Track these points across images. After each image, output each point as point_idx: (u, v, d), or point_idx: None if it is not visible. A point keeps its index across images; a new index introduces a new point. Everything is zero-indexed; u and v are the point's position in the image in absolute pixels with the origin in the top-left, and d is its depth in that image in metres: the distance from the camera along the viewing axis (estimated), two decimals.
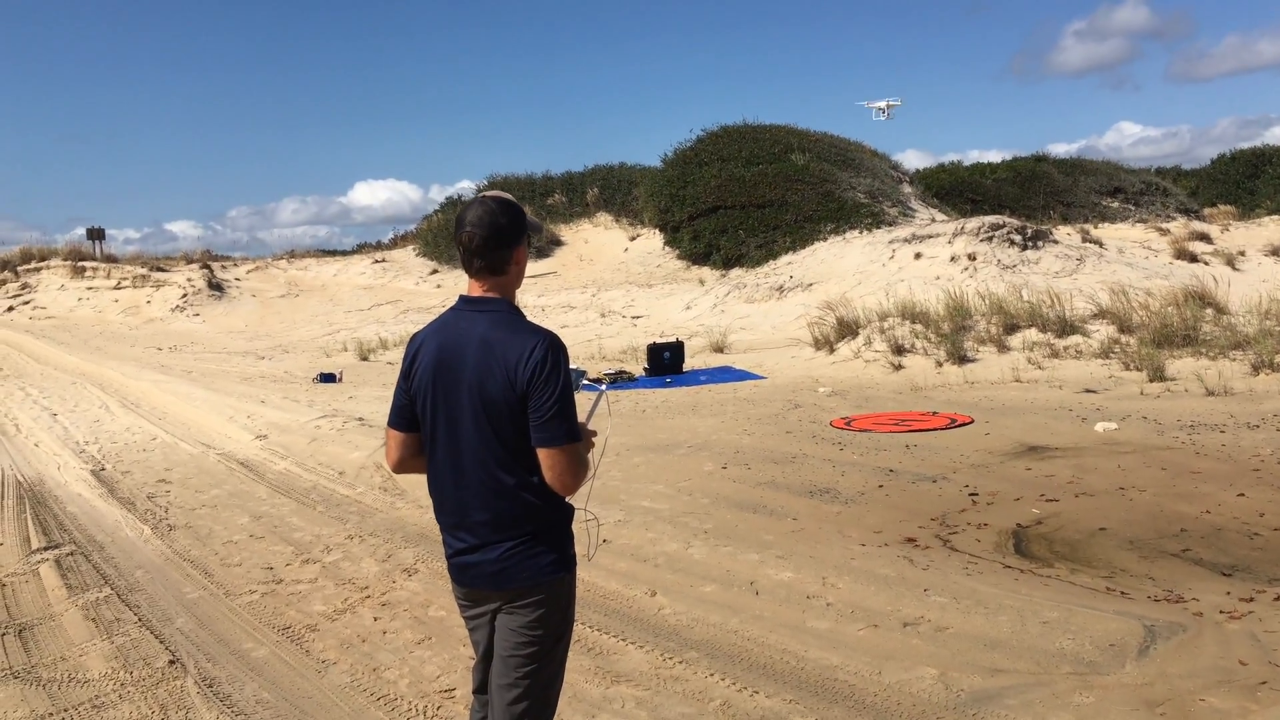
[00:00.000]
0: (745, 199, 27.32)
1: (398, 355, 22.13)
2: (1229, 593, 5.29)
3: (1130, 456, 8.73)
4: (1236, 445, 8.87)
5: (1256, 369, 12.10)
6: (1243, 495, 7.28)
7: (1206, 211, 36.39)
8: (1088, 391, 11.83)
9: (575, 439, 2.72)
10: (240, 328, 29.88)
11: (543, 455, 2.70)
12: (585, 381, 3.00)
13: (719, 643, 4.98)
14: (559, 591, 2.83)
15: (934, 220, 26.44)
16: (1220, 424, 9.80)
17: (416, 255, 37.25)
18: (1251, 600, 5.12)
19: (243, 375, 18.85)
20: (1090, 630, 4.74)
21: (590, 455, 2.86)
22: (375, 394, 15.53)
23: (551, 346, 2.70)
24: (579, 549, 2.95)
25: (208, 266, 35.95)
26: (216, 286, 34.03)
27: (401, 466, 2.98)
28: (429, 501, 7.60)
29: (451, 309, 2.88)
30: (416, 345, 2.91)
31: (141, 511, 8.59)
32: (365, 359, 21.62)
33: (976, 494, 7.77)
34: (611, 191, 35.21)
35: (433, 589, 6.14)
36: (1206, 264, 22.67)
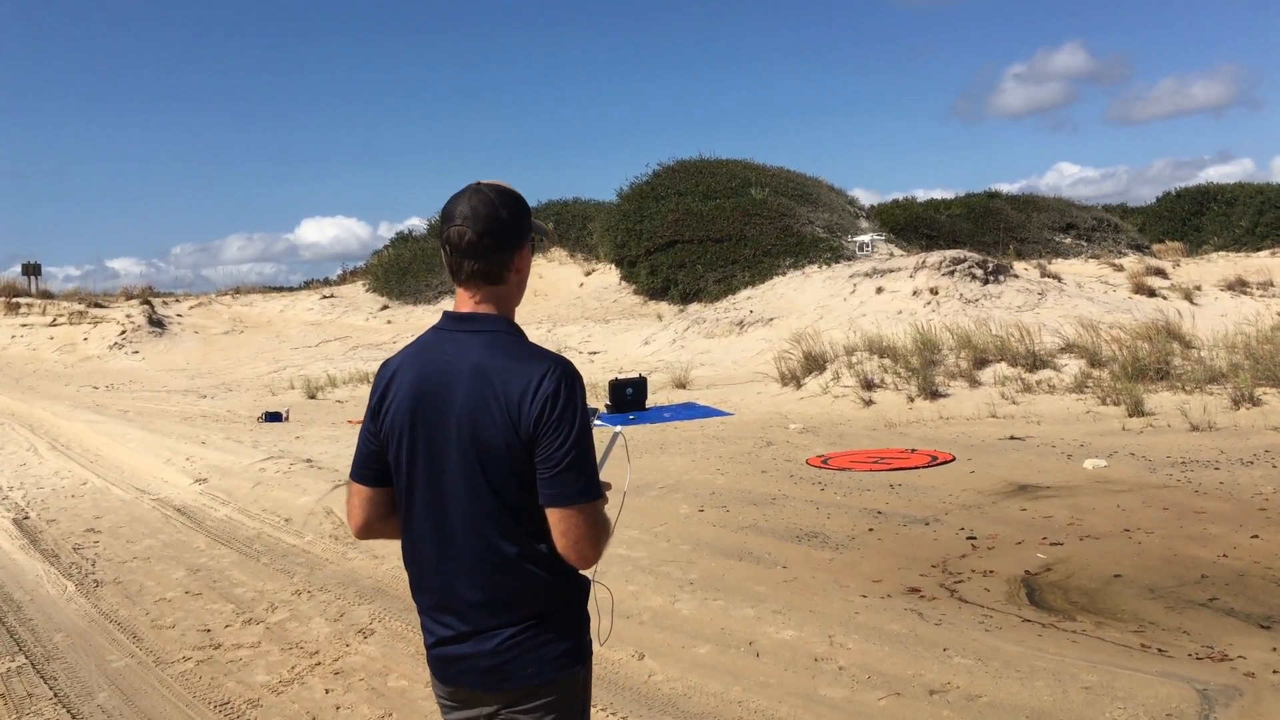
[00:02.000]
0: (703, 233, 26.96)
1: (347, 393, 21.37)
2: (1275, 649, 4.81)
3: (1127, 495, 8.31)
4: (1235, 483, 8.49)
5: (1237, 403, 11.82)
6: (1256, 537, 6.86)
7: (1154, 248, 36.79)
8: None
9: (595, 496, 2.13)
10: (182, 365, 28.86)
11: (554, 517, 2.11)
12: (596, 421, 2.45)
13: (722, 716, 4.39)
14: (573, 690, 2.23)
15: (893, 255, 26.26)
16: (1213, 460, 9.44)
17: (366, 291, 36.47)
18: None
19: (183, 414, 17.97)
20: (1139, 697, 4.22)
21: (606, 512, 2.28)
22: (324, 434, 14.78)
23: (565, 376, 2.12)
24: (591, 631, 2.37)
25: (148, 302, 34.85)
26: (157, 323, 32.94)
27: (368, 530, 2.37)
28: (385, 550, 6.83)
29: (433, 328, 2.28)
30: (388, 374, 2.30)
31: (66, 565, 7.83)
32: (313, 397, 20.81)
33: (974, 537, 7.28)
34: (566, 226, 34.71)
35: (392, 654, 5.49)
36: (1165, 299, 22.64)
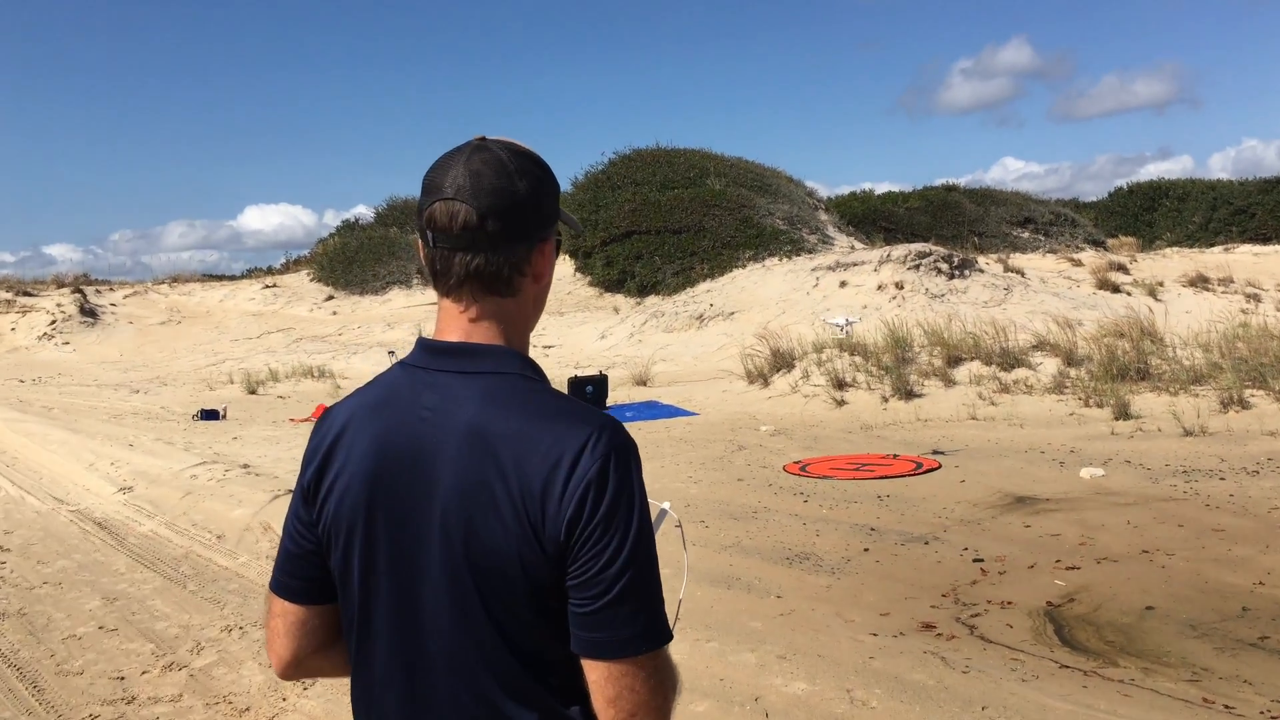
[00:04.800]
0: (660, 224, 26.24)
1: (289, 388, 20.37)
2: None
3: (1134, 510, 7.75)
4: (1246, 496, 7.97)
5: (1225, 405, 11.38)
6: None
7: (1109, 243, 36.71)
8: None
9: (660, 639, 1.36)
10: (115, 357, 27.58)
11: (596, 673, 1.34)
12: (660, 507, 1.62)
13: None
14: None
15: (854, 248, 25.75)
16: (1214, 469, 8.92)
17: (310, 281, 35.25)
18: None
19: (113, 411, 16.90)
20: None
21: None
22: (263, 433, 13.87)
23: (615, 449, 1.35)
24: None
25: (80, 291, 33.38)
26: (90, 312, 31.54)
27: (296, 668, 1.56)
28: None
29: (402, 364, 1.49)
30: (331, 434, 1.49)
31: None
32: (253, 392, 19.82)
33: (982, 559, 6.65)
34: None
35: (336, 710, 4.71)
36: (1130, 295, 22.37)
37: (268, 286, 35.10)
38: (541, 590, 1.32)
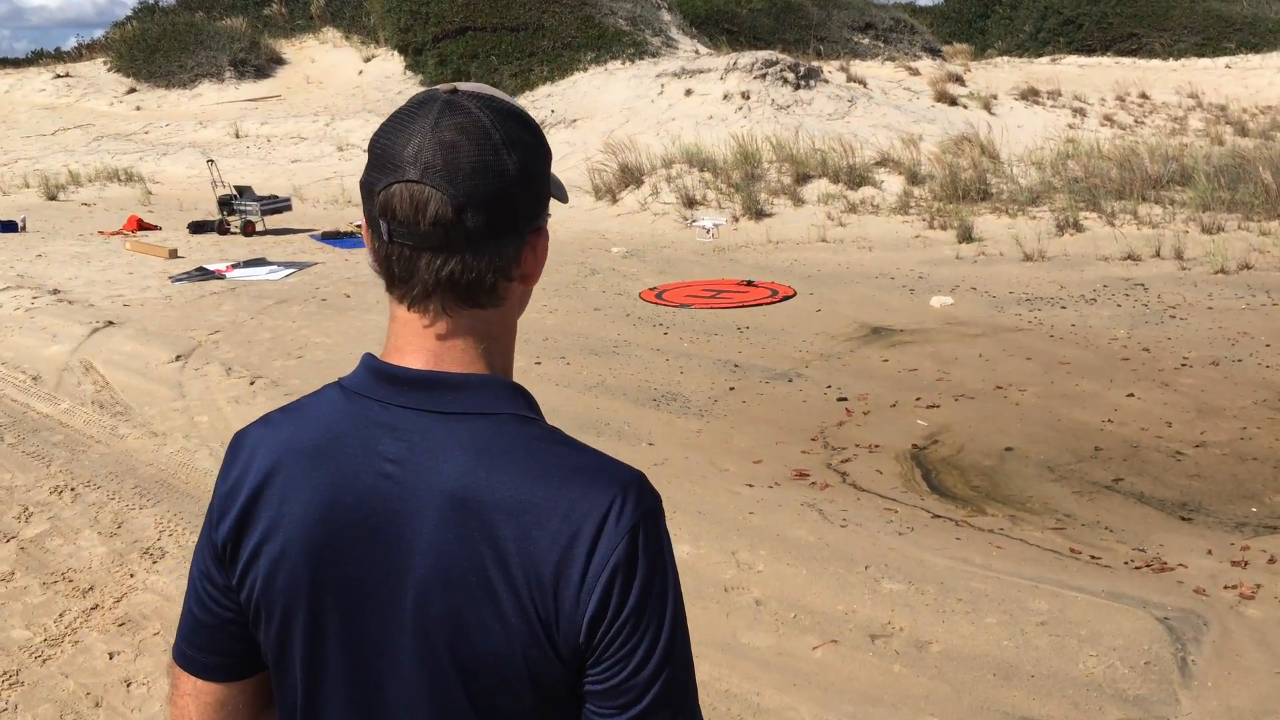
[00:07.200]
0: (497, 20, 24.80)
1: (94, 194, 18.75)
2: (1210, 551, 4.45)
3: (984, 341, 7.96)
4: (1087, 326, 8.29)
5: (1061, 229, 11.76)
6: (1133, 396, 6.60)
7: (944, 50, 37.06)
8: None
9: None
10: None
11: None
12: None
13: None
14: None
15: (698, 53, 25.06)
16: (1054, 297, 9.25)
17: (108, 70, 32.03)
18: (1245, 565, 4.30)
19: None
20: (1108, 638, 3.72)
21: None
22: (71, 249, 12.71)
23: (644, 518, 1.02)
24: None
25: None
26: None
27: None
28: (166, 425, 5.45)
29: (344, 389, 1.10)
30: (252, 482, 1.10)
31: None
32: (53, 198, 18.15)
33: (845, 398, 6.71)
34: (340, 4, 31.32)
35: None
36: (965, 108, 22.70)
37: (60, 76, 31.77)
38: (552, 698, 1.03)
